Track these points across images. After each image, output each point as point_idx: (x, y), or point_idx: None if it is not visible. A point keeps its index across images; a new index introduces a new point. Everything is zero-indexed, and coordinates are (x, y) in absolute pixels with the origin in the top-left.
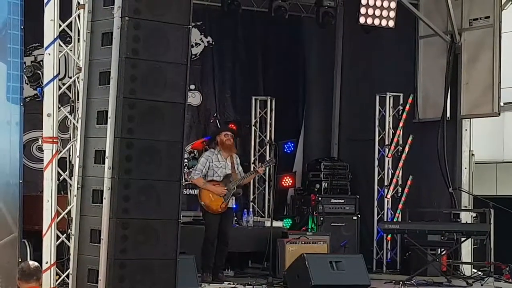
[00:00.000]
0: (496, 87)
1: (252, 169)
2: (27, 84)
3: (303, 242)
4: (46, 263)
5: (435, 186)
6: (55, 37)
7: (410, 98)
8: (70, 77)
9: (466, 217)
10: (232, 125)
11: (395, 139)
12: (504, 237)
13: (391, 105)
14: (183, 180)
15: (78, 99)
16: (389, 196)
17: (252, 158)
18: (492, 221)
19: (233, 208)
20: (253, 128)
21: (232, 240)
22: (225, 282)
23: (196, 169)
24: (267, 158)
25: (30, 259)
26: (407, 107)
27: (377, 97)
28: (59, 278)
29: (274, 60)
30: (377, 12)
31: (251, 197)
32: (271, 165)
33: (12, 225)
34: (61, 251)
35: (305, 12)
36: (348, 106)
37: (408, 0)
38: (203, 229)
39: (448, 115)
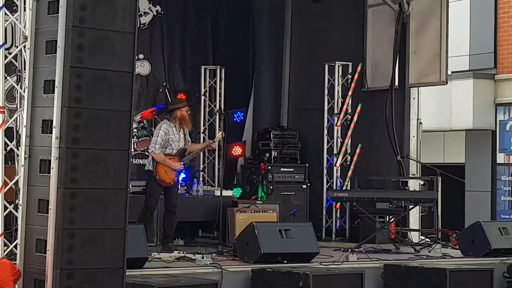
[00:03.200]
0: (444, 56)
1: (202, 141)
2: None
3: (252, 211)
4: None
5: (383, 155)
6: (1, 5)
7: (359, 67)
8: (17, 47)
9: (414, 184)
10: (182, 95)
11: (344, 108)
12: (451, 205)
13: (340, 74)
14: (132, 150)
15: (24, 69)
16: (338, 164)
17: (202, 128)
18: (439, 189)
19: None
20: (202, 97)
21: (182, 209)
22: (175, 251)
23: (156, 143)
24: (217, 133)
25: None
26: (356, 76)
27: (326, 66)
28: (7, 249)
29: (223, 29)
30: None
31: (201, 166)
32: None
33: None
34: (9, 221)
35: None
36: (297, 75)
37: None
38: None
39: (396, 83)
